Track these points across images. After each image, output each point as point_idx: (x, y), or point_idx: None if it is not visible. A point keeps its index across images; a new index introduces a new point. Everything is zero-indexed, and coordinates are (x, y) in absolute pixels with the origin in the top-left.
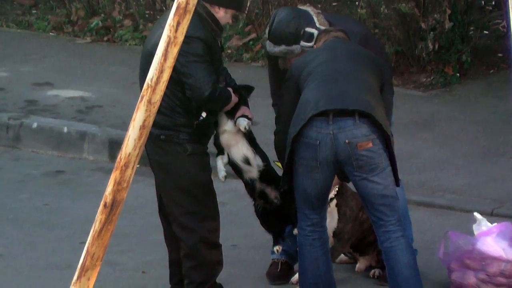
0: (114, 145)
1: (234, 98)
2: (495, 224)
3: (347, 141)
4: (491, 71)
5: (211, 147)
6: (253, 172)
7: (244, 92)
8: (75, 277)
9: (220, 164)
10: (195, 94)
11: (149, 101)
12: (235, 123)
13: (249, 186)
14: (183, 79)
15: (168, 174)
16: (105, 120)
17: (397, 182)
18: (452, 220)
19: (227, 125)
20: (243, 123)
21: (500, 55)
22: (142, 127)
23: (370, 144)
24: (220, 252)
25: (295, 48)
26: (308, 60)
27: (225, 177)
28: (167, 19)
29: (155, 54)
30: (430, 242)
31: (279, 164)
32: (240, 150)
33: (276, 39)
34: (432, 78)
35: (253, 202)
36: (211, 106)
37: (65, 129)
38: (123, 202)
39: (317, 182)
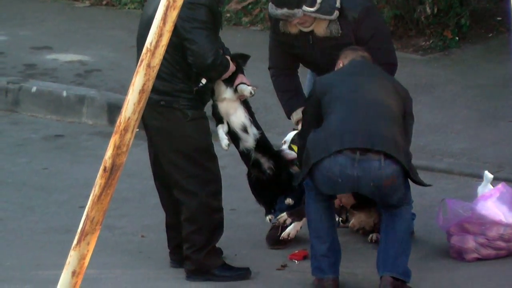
0: (113, 109)
1: (232, 67)
2: (496, 187)
3: (372, 184)
4: (490, 34)
5: (208, 111)
6: (249, 141)
7: (241, 60)
8: (74, 242)
9: (222, 133)
10: (198, 61)
11: (148, 65)
12: (234, 90)
13: (245, 155)
14: (186, 45)
15: (169, 139)
16: (104, 84)
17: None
18: (451, 184)
19: (226, 93)
20: (247, 88)
21: (499, 18)
22: (142, 91)
23: (395, 181)
24: (221, 216)
25: (297, 12)
26: (334, 83)
27: (229, 145)
28: None
29: (154, 18)
30: (429, 206)
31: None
32: (238, 118)
33: (278, 2)
34: (431, 41)
35: (247, 173)
36: (212, 73)
37: (64, 93)
38: (123, 166)
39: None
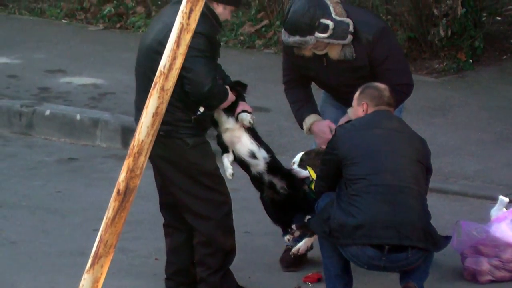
0: (127, 132)
1: (231, 96)
2: (510, 209)
3: (398, 270)
4: (504, 57)
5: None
6: (260, 165)
7: (240, 88)
8: (88, 265)
9: (227, 162)
10: (195, 89)
11: (162, 88)
12: (236, 119)
13: (257, 179)
14: (183, 73)
15: (174, 167)
16: (117, 106)
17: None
18: (465, 206)
19: (228, 123)
20: (246, 118)
21: None
22: (155, 114)
23: (421, 262)
24: (234, 238)
25: (310, 39)
26: (356, 142)
27: (233, 174)
28: (167, 14)
29: (168, 42)
30: (443, 229)
31: (311, 171)
32: (244, 145)
33: (291, 30)
34: (445, 64)
35: (260, 194)
36: (209, 102)
37: (78, 116)
38: (136, 189)
39: None
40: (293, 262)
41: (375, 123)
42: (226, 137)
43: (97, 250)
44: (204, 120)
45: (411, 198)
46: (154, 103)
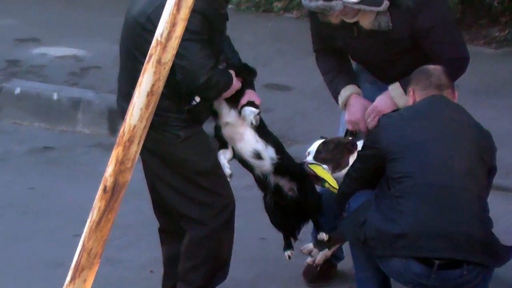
0: (115, 116)
1: (236, 83)
2: None
3: None
4: None
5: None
6: (265, 166)
7: (247, 74)
8: (68, 278)
9: (223, 160)
10: (187, 79)
11: (159, 61)
12: (239, 113)
13: (262, 181)
14: (175, 60)
15: (163, 163)
16: (103, 84)
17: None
18: None
19: (229, 117)
20: (249, 115)
21: None
22: (150, 93)
23: (478, 282)
24: (230, 252)
25: (336, 4)
26: (403, 134)
27: (231, 175)
28: None
29: (166, 3)
30: (503, 234)
31: (318, 170)
32: (248, 144)
33: None
34: (506, 32)
35: (263, 195)
36: (206, 94)
37: (55, 96)
38: (127, 185)
39: None
40: (320, 276)
41: (426, 111)
42: (226, 132)
43: (78, 261)
44: (200, 111)
45: (467, 201)
46: (149, 80)
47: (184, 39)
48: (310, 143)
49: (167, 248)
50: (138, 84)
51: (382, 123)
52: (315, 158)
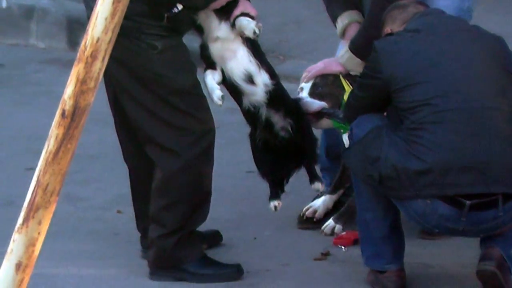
0: (75, 26)
1: None
2: None
3: (481, 234)
4: None
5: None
6: (257, 94)
7: None
8: (20, 220)
9: (211, 81)
10: None
11: None
12: (232, 25)
13: (251, 114)
14: None
15: (134, 77)
16: None
17: None
18: None
19: (220, 30)
20: (249, 25)
21: None
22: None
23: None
24: (210, 187)
25: None
26: (407, 56)
27: (223, 97)
28: None
29: None
30: None
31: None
32: (239, 63)
33: None
34: None
35: (250, 132)
36: (191, 1)
37: (4, 3)
38: (89, 109)
39: None
40: (306, 220)
41: (427, 26)
42: (215, 49)
43: (32, 199)
44: (181, 21)
45: (500, 123)
46: None
47: None
48: (306, 58)
49: (133, 184)
50: None
51: (379, 47)
52: (311, 94)
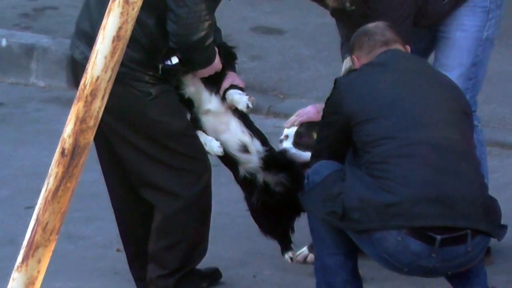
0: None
1: (218, 63)
2: None
3: (450, 272)
4: None
5: None
6: (253, 161)
7: (228, 55)
8: (19, 258)
9: (203, 135)
10: (180, 32)
11: (126, 1)
12: (223, 98)
13: (247, 181)
14: (171, 6)
15: (128, 122)
16: (61, 28)
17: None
18: None
19: (211, 103)
20: (242, 99)
21: None
22: (116, 38)
23: (481, 258)
24: (208, 226)
25: None
26: (368, 91)
27: (221, 147)
28: None
29: None
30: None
31: None
32: (233, 135)
33: None
34: None
35: (246, 196)
36: (192, 56)
37: (3, 42)
38: (89, 147)
39: None
40: None
41: (387, 64)
42: (208, 122)
43: (32, 237)
44: (173, 75)
45: (463, 161)
46: (114, 22)
47: None
48: (307, 96)
49: (125, 228)
50: (101, 27)
51: (338, 84)
52: (295, 143)
